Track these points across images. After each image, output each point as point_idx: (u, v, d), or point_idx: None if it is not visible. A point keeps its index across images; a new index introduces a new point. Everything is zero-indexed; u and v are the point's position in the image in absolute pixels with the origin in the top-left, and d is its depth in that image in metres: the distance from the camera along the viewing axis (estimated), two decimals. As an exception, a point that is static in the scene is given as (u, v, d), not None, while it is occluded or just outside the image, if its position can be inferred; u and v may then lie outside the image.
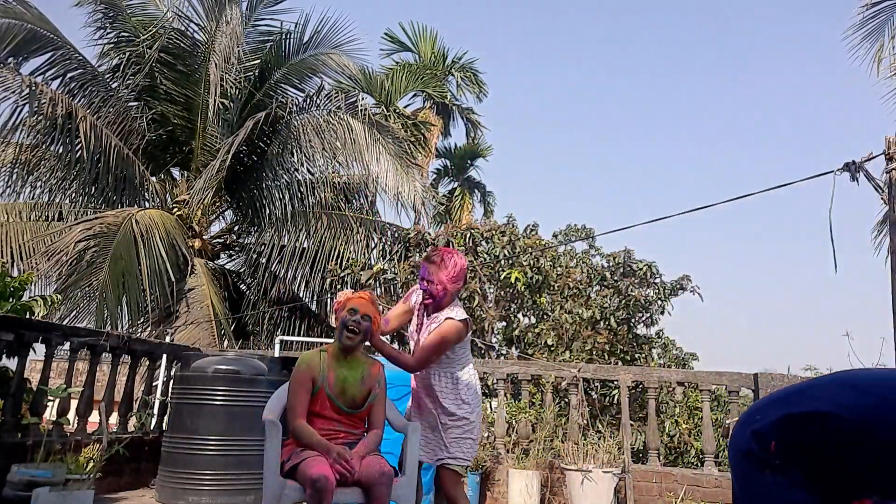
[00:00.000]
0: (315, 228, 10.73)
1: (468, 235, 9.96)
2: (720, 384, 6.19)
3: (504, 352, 9.88)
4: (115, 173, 9.62)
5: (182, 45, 10.26)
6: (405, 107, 16.73)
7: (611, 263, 10.49)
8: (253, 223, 10.99)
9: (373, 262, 10.40)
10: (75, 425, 5.43)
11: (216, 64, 9.76)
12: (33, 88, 8.63)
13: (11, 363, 4.93)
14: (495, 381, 6.63)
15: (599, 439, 5.66)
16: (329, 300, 11.23)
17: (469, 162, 20.82)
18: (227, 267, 11.54)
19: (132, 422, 5.96)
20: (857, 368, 1.24)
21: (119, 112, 10.02)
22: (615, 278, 10.21)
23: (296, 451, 2.81)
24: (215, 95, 9.73)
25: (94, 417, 5.52)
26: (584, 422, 6.22)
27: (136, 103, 10.56)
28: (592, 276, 10.29)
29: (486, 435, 6.13)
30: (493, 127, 41.20)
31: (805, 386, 1.17)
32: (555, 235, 11.94)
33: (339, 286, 10.13)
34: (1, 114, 9.08)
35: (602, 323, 9.50)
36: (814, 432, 1.07)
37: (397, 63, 17.56)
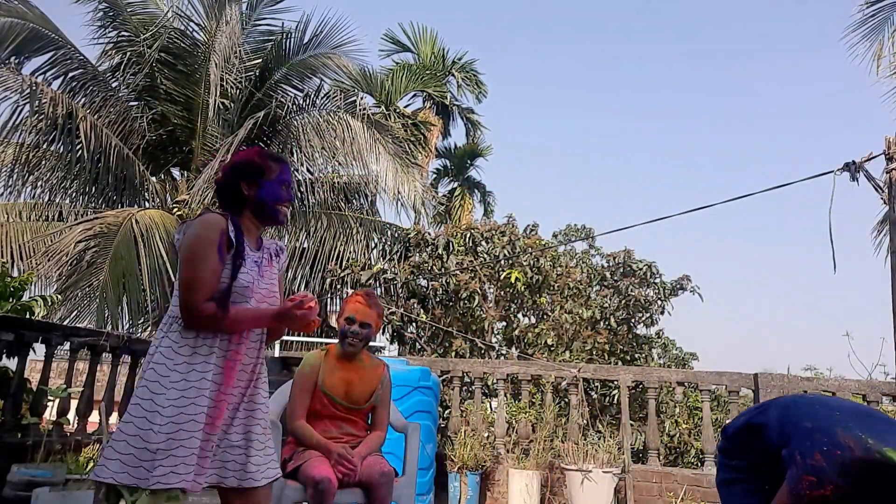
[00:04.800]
0: (315, 228, 10.73)
1: (468, 235, 9.96)
2: (720, 384, 6.19)
3: (504, 352, 9.88)
4: (115, 173, 9.62)
5: (182, 44, 10.26)
6: (405, 107, 16.74)
7: (611, 263, 10.50)
8: (253, 223, 10.98)
9: (373, 262, 10.40)
10: (75, 425, 5.43)
11: (216, 64, 9.76)
12: (34, 88, 8.64)
13: (11, 363, 4.94)
14: (495, 381, 6.62)
15: (599, 439, 5.66)
16: (329, 300, 11.23)
17: (469, 162, 20.82)
18: (227, 267, 11.52)
19: (132, 422, 5.95)
20: (803, 396, 1.80)
21: (119, 112, 10.02)
22: (615, 278, 10.22)
23: (297, 451, 2.81)
24: (215, 95, 9.72)
25: (94, 417, 5.52)
26: (584, 422, 6.22)
27: (136, 103, 10.56)
28: (592, 276, 10.30)
29: (486, 435, 6.13)
30: (493, 127, 41.17)
31: (766, 404, 1.82)
32: (555, 235, 11.96)
33: (339, 286, 10.13)
34: (1, 114, 9.10)
35: (602, 323, 9.50)
36: (755, 436, 1.77)
37: (397, 63, 17.56)
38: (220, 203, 2.18)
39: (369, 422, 3.02)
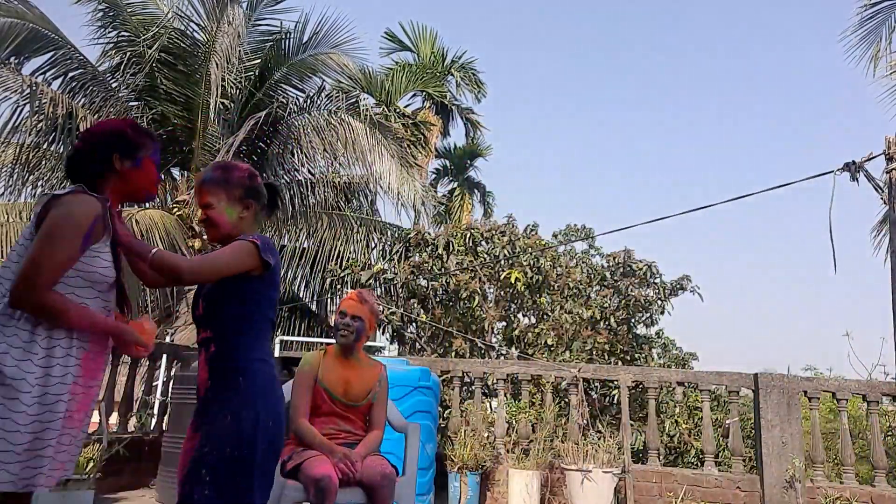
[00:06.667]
0: (315, 228, 10.74)
1: (468, 235, 9.96)
2: (720, 384, 6.19)
3: (504, 352, 9.88)
4: (115, 173, 9.63)
5: (182, 44, 10.26)
6: (405, 106, 16.75)
7: (611, 263, 10.50)
8: (253, 223, 10.99)
9: (373, 262, 10.40)
10: (75, 425, 5.42)
11: (216, 64, 9.76)
12: (34, 88, 8.64)
13: (12, 363, 4.93)
14: (495, 381, 6.63)
15: (599, 439, 5.66)
16: (329, 300, 11.24)
17: (469, 162, 20.83)
18: (227, 267, 11.53)
19: (132, 422, 5.97)
20: None
21: (119, 112, 10.01)
22: (615, 278, 10.22)
23: (296, 451, 2.82)
24: (215, 95, 9.73)
25: (94, 417, 5.52)
26: (584, 422, 6.22)
27: (136, 103, 10.56)
28: (592, 276, 10.29)
29: (486, 435, 6.14)
30: (492, 127, 41.14)
31: None
32: (555, 235, 11.95)
33: (339, 286, 10.14)
34: (1, 114, 9.10)
35: (602, 323, 9.50)
36: None
37: (397, 63, 17.56)
38: (76, 172, 1.96)
39: (367, 422, 3.04)
